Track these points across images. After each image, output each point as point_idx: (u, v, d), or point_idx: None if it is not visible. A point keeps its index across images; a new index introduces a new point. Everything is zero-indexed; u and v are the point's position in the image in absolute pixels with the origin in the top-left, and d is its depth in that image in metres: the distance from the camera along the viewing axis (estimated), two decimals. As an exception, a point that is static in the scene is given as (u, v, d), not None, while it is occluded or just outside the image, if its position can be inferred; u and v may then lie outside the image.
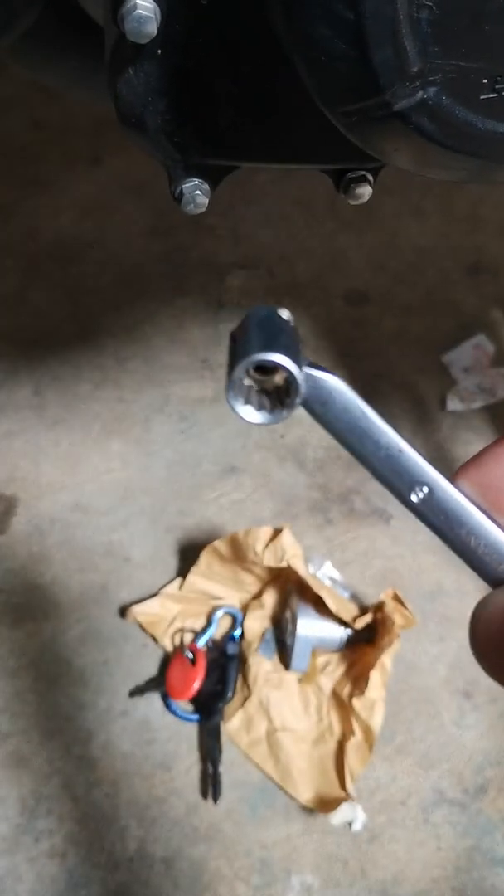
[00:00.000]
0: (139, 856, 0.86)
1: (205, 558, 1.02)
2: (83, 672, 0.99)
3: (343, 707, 0.93)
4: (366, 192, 0.55)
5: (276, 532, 0.94)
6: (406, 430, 1.21)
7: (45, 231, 1.54)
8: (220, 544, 0.99)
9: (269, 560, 0.93)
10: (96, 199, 1.60)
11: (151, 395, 1.28)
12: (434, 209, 1.54)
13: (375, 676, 0.90)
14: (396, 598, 0.93)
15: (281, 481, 1.16)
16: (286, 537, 0.93)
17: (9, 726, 0.95)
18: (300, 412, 0.28)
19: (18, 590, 1.07)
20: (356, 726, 0.90)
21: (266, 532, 0.94)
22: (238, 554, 0.97)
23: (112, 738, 0.94)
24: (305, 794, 0.88)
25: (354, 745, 0.89)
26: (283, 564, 0.93)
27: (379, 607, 0.94)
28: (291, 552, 0.93)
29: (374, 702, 0.90)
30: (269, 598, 1.01)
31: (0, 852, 0.87)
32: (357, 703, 0.90)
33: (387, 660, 0.91)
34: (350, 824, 0.86)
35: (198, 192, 0.52)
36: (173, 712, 0.95)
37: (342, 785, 0.88)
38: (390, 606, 0.92)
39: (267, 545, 0.93)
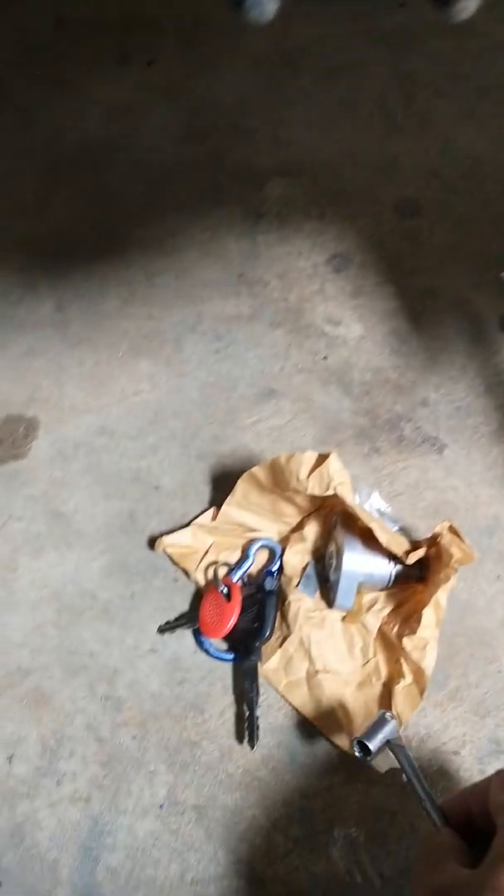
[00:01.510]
0: (169, 803, 0.82)
1: (241, 486, 0.96)
2: (109, 606, 0.94)
3: (391, 648, 0.88)
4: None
5: (322, 458, 0.88)
6: (460, 353, 1.14)
7: (70, 135, 1.47)
8: (258, 471, 0.93)
9: (314, 488, 0.87)
10: (125, 101, 1.52)
11: (183, 313, 1.21)
12: (492, 113, 1.45)
13: (429, 614, 0.85)
14: (453, 531, 0.87)
15: (324, 406, 1.09)
16: (333, 463, 0.87)
17: (29, 662, 0.91)
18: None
19: (40, 518, 1.02)
20: (406, 668, 0.84)
21: (311, 457, 0.88)
22: (278, 481, 0.91)
23: (140, 676, 0.90)
24: (349, 742, 0.83)
25: (404, 688, 0.84)
26: (330, 493, 0.87)
27: (433, 540, 0.88)
28: (339, 479, 0.87)
29: (426, 641, 0.84)
30: (311, 530, 0.96)
31: (19, 796, 0.83)
32: (408, 642, 0.85)
33: (442, 597, 0.85)
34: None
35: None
36: (206, 651, 0.90)
37: (390, 732, 0.83)
38: (447, 539, 0.86)
39: (311, 472, 0.87)
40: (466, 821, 0.66)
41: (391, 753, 0.74)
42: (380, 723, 0.77)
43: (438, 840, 0.68)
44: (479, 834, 0.63)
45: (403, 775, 0.71)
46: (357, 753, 0.77)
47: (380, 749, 0.76)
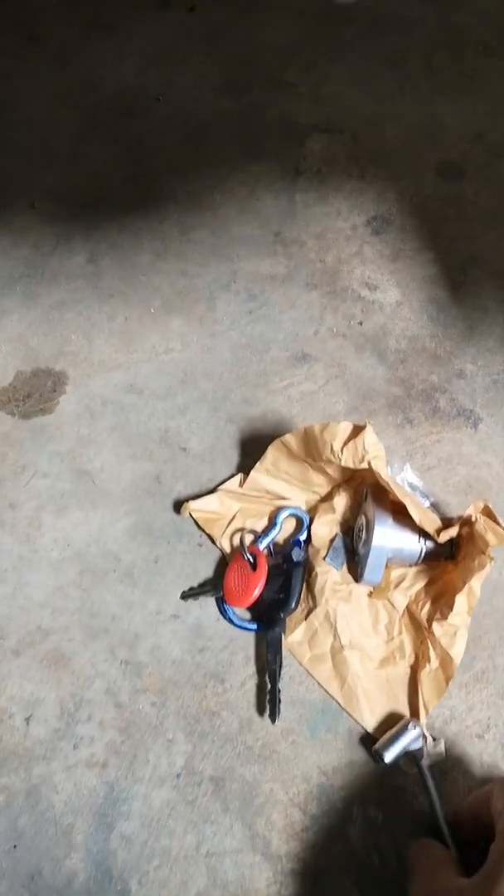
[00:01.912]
0: (186, 772, 0.80)
1: (271, 453, 0.92)
2: (132, 569, 0.92)
3: (418, 627, 0.85)
4: None
5: (357, 429, 0.84)
6: (500, 325, 1.09)
7: (107, 80, 1.41)
8: (290, 438, 0.90)
9: (348, 460, 0.83)
10: (163, 48, 1.46)
11: (218, 270, 1.17)
12: (544, 75, 1.38)
13: (462, 602, 0.81)
14: (488, 513, 0.83)
15: (358, 373, 1.05)
16: (369, 435, 0.83)
17: (50, 622, 0.89)
18: None
19: (65, 475, 0.99)
20: (433, 654, 0.81)
21: (346, 428, 0.84)
22: (310, 451, 0.88)
23: (161, 642, 0.87)
24: (371, 721, 0.81)
25: (430, 673, 0.81)
26: (364, 465, 0.83)
27: (467, 520, 0.85)
28: (374, 452, 0.83)
29: (456, 628, 0.81)
30: (341, 501, 0.92)
31: (35, 758, 0.81)
32: (437, 628, 0.82)
33: (476, 584, 0.82)
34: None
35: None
36: (229, 620, 0.87)
37: (414, 715, 0.80)
38: (481, 525, 0.82)
39: (346, 443, 0.84)
40: (478, 825, 0.67)
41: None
42: (402, 731, 0.76)
43: (438, 852, 0.71)
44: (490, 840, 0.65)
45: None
46: (375, 760, 0.77)
47: (399, 757, 0.75)
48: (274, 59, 1.44)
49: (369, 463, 0.83)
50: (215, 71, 1.43)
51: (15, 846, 0.77)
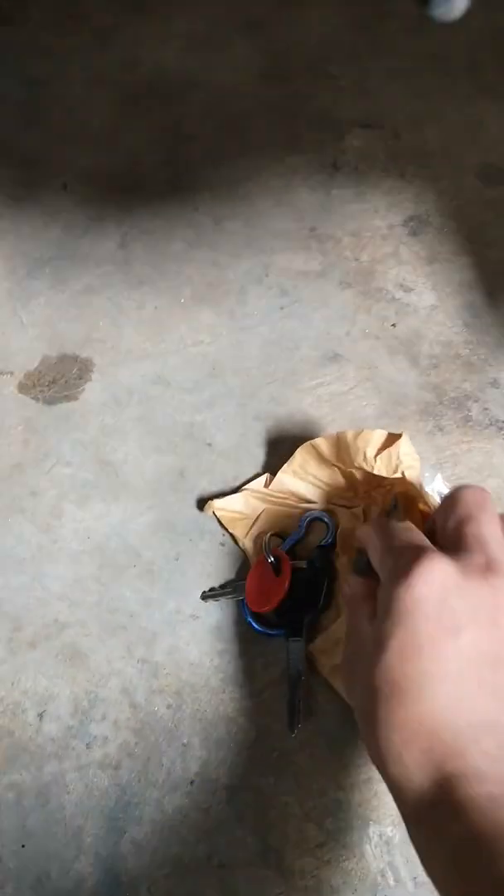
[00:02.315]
0: (201, 779, 0.77)
1: (300, 455, 0.89)
2: (152, 565, 0.89)
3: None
4: None
5: (392, 438, 0.81)
6: (536, 334, 1.06)
7: (146, 63, 1.37)
8: (321, 442, 0.86)
9: (381, 468, 0.80)
10: (205, 33, 1.42)
11: (250, 263, 1.13)
12: None
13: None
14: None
15: (389, 377, 1.02)
16: (404, 445, 0.80)
17: (67, 616, 0.86)
18: None
19: (88, 465, 0.96)
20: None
21: (380, 436, 0.81)
22: (341, 456, 0.85)
23: (179, 643, 0.84)
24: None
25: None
26: (398, 475, 0.80)
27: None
28: (408, 462, 0.80)
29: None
30: (368, 508, 0.89)
31: (47, 755, 0.78)
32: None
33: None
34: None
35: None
36: (250, 623, 0.84)
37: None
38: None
39: (380, 451, 0.80)
40: None
41: None
42: None
43: (350, 592, 0.69)
44: None
45: None
46: None
47: None
48: (316, 50, 1.39)
49: (403, 473, 0.80)
50: (256, 59, 1.39)
51: (23, 846, 0.74)
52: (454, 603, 0.57)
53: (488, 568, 0.58)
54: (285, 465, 0.90)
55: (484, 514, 0.63)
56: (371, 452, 0.81)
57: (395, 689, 0.56)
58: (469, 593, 0.57)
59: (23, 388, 1.02)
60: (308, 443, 0.88)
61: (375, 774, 0.76)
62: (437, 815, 0.53)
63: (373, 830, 0.74)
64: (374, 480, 0.88)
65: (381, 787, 0.76)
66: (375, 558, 0.66)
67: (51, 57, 1.42)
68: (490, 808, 0.50)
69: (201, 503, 0.92)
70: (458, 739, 0.54)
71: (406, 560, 0.60)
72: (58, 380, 1.02)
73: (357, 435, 0.82)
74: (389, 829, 0.74)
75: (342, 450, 0.84)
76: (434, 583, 0.57)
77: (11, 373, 1.03)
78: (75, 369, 1.03)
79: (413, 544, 0.62)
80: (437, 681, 0.55)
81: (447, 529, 0.65)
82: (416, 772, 0.54)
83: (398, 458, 0.80)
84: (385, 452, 0.81)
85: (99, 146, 1.27)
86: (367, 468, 0.81)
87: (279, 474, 0.91)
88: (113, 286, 1.11)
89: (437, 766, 0.54)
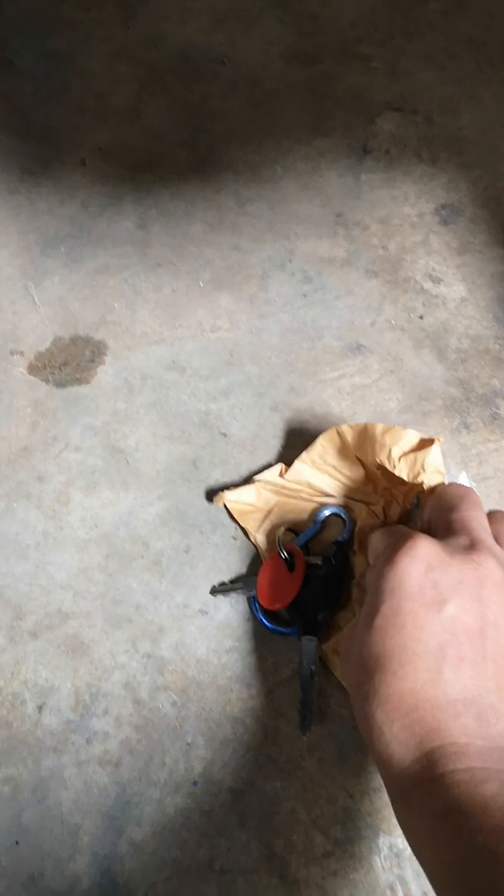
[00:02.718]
0: (204, 780, 0.76)
1: (321, 443, 0.88)
2: (161, 557, 0.88)
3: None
4: None
5: (424, 443, 0.79)
6: None
7: (171, 38, 1.36)
8: (346, 430, 0.85)
9: (403, 470, 0.79)
10: (233, 8, 1.40)
11: (273, 248, 1.12)
12: None
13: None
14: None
15: (414, 370, 1.00)
16: (434, 454, 0.78)
17: (71, 606, 0.85)
18: None
19: (97, 451, 0.95)
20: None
21: (411, 438, 0.80)
22: (365, 448, 0.83)
23: (186, 638, 0.83)
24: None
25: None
26: (418, 482, 0.78)
27: None
28: (432, 472, 0.78)
29: None
30: (388, 506, 0.88)
31: (46, 749, 0.77)
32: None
33: None
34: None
35: None
36: (261, 621, 0.83)
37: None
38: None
39: (406, 453, 0.79)
40: None
41: None
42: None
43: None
44: None
45: None
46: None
47: None
48: (349, 29, 1.38)
49: (424, 483, 0.79)
50: (286, 37, 1.37)
51: (17, 842, 0.73)
52: (437, 578, 0.59)
53: (472, 546, 0.62)
54: (304, 453, 0.89)
55: (467, 503, 0.68)
56: (396, 452, 0.80)
57: (378, 665, 0.58)
58: (452, 569, 0.60)
59: (33, 369, 1.01)
60: (332, 429, 0.87)
61: (387, 783, 0.75)
62: (419, 792, 0.54)
63: (383, 842, 0.73)
64: (395, 478, 0.87)
65: (393, 797, 0.74)
66: (371, 556, 0.70)
67: (73, 30, 1.40)
68: (468, 783, 0.51)
69: (213, 494, 0.90)
70: (439, 715, 0.56)
71: (392, 541, 0.64)
72: (69, 362, 1.01)
73: (386, 430, 0.81)
74: (400, 840, 0.73)
75: (367, 442, 0.83)
76: (418, 559, 0.61)
77: (21, 353, 1.02)
78: (88, 352, 1.02)
79: (401, 530, 0.67)
80: (418, 656, 0.57)
81: (434, 520, 0.70)
82: (399, 748, 0.56)
83: (423, 465, 0.79)
84: (411, 455, 0.79)
85: (120, 123, 1.26)
86: (389, 467, 0.80)
87: (296, 462, 0.90)
88: (130, 267, 1.10)
89: (418, 743, 0.55)
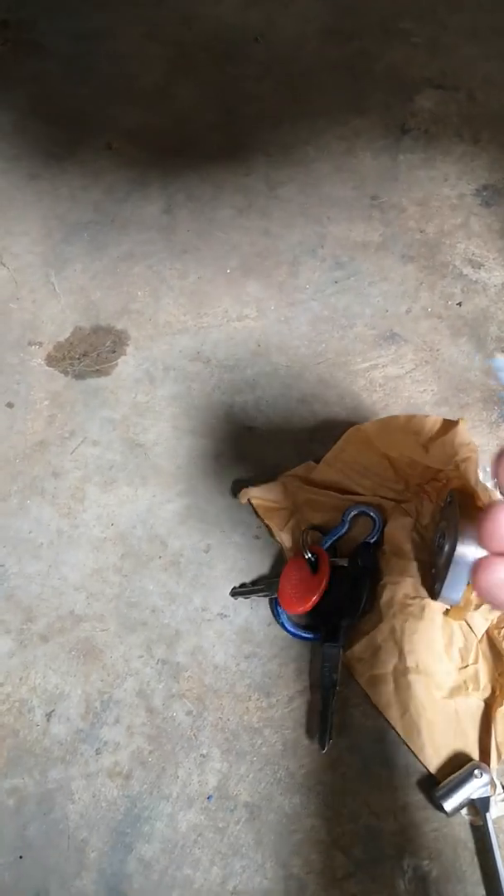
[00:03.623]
0: (219, 795, 0.72)
1: (346, 441, 0.84)
2: (179, 557, 0.84)
3: (498, 656, 0.76)
4: None
5: (448, 425, 0.75)
6: None
7: (204, 18, 1.33)
8: (370, 427, 0.81)
9: (435, 459, 0.75)
10: (268, -15, 1.36)
11: (304, 232, 1.08)
12: None
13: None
14: None
15: (451, 360, 0.96)
16: (461, 434, 0.74)
17: (84, 608, 0.82)
18: None
19: (116, 445, 0.92)
20: (514, 691, 0.73)
21: (434, 422, 0.75)
22: (391, 443, 0.79)
23: (204, 643, 0.80)
24: (433, 760, 0.72)
25: (508, 713, 0.72)
26: (451, 467, 0.74)
27: None
28: (464, 454, 0.74)
29: (544, 664, 0.72)
30: (419, 503, 0.83)
31: (53, 760, 0.74)
32: (522, 660, 0.73)
33: None
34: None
35: None
36: (282, 625, 0.79)
37: (484, 758, 0.71)
38: None
39: (433, 439, 0.75)
40: None
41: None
42: (467, 776, 0.67)
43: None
44: None
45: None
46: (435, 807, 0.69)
47: (461, 806, 0.67)
48: (388, 3, 1.33)
49: (458, 465, 0.74)
50: (323, 13, 1.33)
51: (21, 857, 0.70)
52: None
53: None
54: (329, 452, 0.85)
55: None
56: (424, 439, 0.75)
57: None
58: None
59: (51, 360, 0.98)
60: (354, 427, 0.83)
61: (413, 800, 0.71)
62: None
63: (407, 863, 0.69)
64: (427, 473, 0.82)
65: (420, 816, 0.70)
66: None
67: (104, 10, 1.38)
68: None
69: (236, 491, 0.87)
70: None
71: None
72: (89, 352, 0.99)
73: (409, 419, 0.77)
74: (426, 862, 0.69)
75: (393, 435, 0.79)
76: None
77: (40, 343, 1.00)
78: (109, 342, 1.00)
79: None
80: None
81: None
82: None
83: (454, 447, 0.74)
84: (440, 441, 0.75)
85: (149, 105, 1.23)
86: (419, 458, 0.76)
87: (322, 462, 0.86)
88: (154, 254, 1.07)
89: None
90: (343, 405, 0.93)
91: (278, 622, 0.80)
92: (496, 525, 0.29)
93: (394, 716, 0.75)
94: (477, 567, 0.30)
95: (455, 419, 0.75)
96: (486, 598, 0.30)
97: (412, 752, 0.73)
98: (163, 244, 1.08)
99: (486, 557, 0.30)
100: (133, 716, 0.76)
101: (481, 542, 0.30)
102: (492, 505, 0.29)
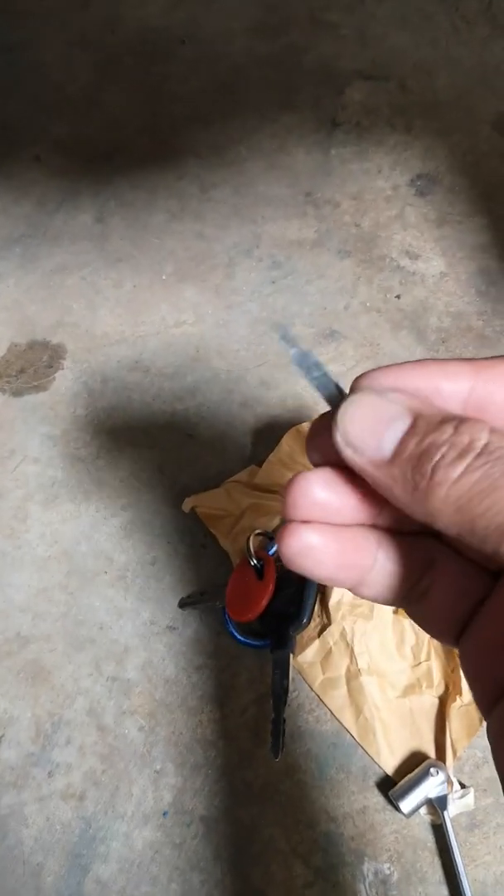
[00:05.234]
0: (175, 810, 0.73)
1: (287, 443, 0.85)
2: (125, 571, 0.85)
3: (450, 652, 0.77)
4: None
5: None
6: None
7: (128, 21, 1.33)
8: (307, 426, 0.81)
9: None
10: (192, -16, 1.37)
11: (239, 233, 1.09)
12: None
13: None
14: None
15: (393, 354, 0.97)
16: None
17: (30, 629, 0.82)
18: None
19: (57, 461, 0.92)
20: (465, 686, 0.73)
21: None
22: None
23: (153, 657, 0.80)
24: (389, 761, 0.73)
25: (461, 708, 0.73)
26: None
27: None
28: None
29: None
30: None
31: (5, 785, 0.75)
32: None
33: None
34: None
35: None
36: (231, 634, 0.80)
37: (440, 755, 0.72)
38: None
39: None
40: None
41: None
42: (423, 776, 0.68)
43: None
44: None
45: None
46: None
47: (419, 806, 0.68)
48: (314, -3, 1.34)
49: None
50: (249, 10, 1.34)
51: (-25, 888, 0.70)
52: None
53: None
54: (272, 455, 0.86)
55: None
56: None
57: None
58: None
59: (-13, 379, 0.98)
60: (294, 428, 0.84)
61: (371, 803, 0.72)
62: None
63: (367, 868, 0.70)
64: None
65: (379, 819, 0.71)
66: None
67: (27, 20, 1.38)
68: None
69: (181, 500, 0.87)
70: None
71: None
72: (26, 369, 0.99)
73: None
74: (386, 865, 0.69)
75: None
76: None
77: (-25, 363, 1.00)
78: (45, 357, 1.00)
79: None
80: None
81: None
82: None
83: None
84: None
85: (76, 113, 1.23)
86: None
87: (266, 464, 0.86)
88: (88, 264, 1.07)
89: None
90: (285, 406, 0.93)
91: (227, 631, 0.80)
92: (296, 495, 0.30)
93: (348, 719, 0.75)
94: (280, 535, 0.31)
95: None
96: (291, 566, 0.31)
97: (368, 754, 0.74)
98: (96, 254, 1.08)
99: (288, 524, 0.30)
100: (84, 735, 0.77)
101: (284, 512, 0.30)
102: (295, 475, 0.30)
